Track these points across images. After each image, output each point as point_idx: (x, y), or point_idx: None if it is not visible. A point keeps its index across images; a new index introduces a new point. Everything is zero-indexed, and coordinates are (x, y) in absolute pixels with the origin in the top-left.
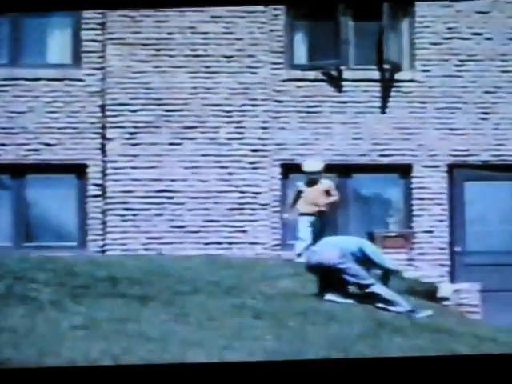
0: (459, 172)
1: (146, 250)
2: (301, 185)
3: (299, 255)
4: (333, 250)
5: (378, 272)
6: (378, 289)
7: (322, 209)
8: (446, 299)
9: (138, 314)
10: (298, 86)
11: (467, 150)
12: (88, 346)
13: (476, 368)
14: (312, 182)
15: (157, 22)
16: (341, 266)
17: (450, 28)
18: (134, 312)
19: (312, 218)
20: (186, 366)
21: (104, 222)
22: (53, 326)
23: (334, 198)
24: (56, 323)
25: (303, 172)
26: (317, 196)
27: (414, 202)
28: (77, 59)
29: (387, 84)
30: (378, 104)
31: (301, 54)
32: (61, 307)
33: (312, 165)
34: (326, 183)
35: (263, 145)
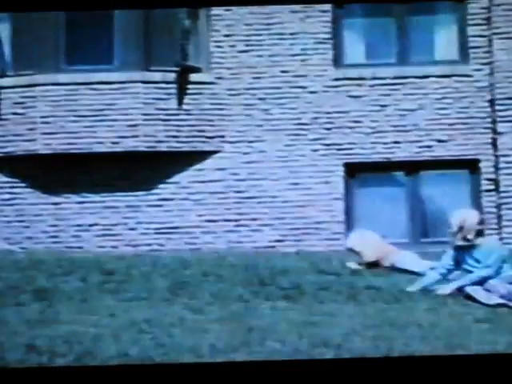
0: None
1: None
2: None
3: None
4: None
5: None
6: None
7: None
8: None
9: None
10: None
11: None
12: (494, 339)
13: (476, 368)
14: None
15: None
16: None
17: None
18: None
19: None
20: (186, 366)
21: (499, 216)
22: (456, 320)
23: None
24: (459, 317)
25: None
26: None
27: None
28: (464, 55)
29: None
30: None
31: None
32: (462, 301)
33: None
34: None
35: None
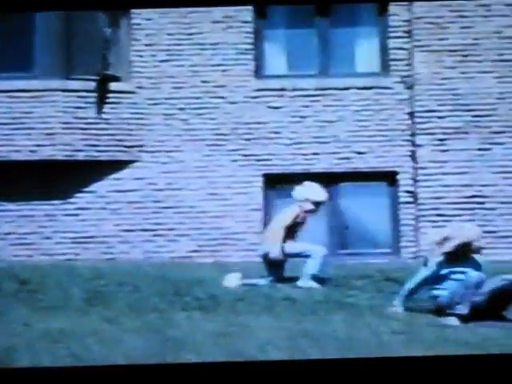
0: None
1: None
2: None
3: None
4: None
5: None
6: None
7: None
8: None
9: None
10: None
11: None
12: (410, 351)
13: (476, 368)
14: None
15: (462, 28)
16: None
17: None
18: None
19: None
20: (186, 366)
21: (417, 229)
22: (373, 332)
23: None
24: (375, 328)
25: None
26: None
27: None
28: (385, 67)
29: None
30: None
31: None
32: (379, 313)
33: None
34: None
35: None
